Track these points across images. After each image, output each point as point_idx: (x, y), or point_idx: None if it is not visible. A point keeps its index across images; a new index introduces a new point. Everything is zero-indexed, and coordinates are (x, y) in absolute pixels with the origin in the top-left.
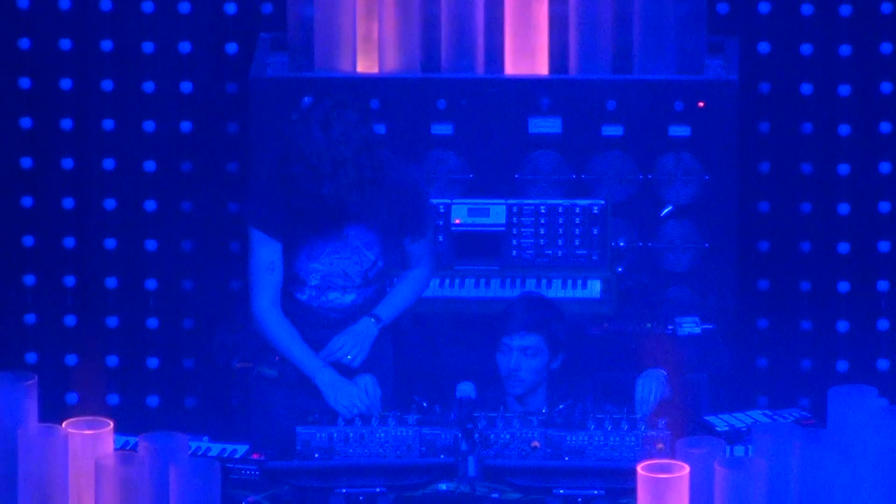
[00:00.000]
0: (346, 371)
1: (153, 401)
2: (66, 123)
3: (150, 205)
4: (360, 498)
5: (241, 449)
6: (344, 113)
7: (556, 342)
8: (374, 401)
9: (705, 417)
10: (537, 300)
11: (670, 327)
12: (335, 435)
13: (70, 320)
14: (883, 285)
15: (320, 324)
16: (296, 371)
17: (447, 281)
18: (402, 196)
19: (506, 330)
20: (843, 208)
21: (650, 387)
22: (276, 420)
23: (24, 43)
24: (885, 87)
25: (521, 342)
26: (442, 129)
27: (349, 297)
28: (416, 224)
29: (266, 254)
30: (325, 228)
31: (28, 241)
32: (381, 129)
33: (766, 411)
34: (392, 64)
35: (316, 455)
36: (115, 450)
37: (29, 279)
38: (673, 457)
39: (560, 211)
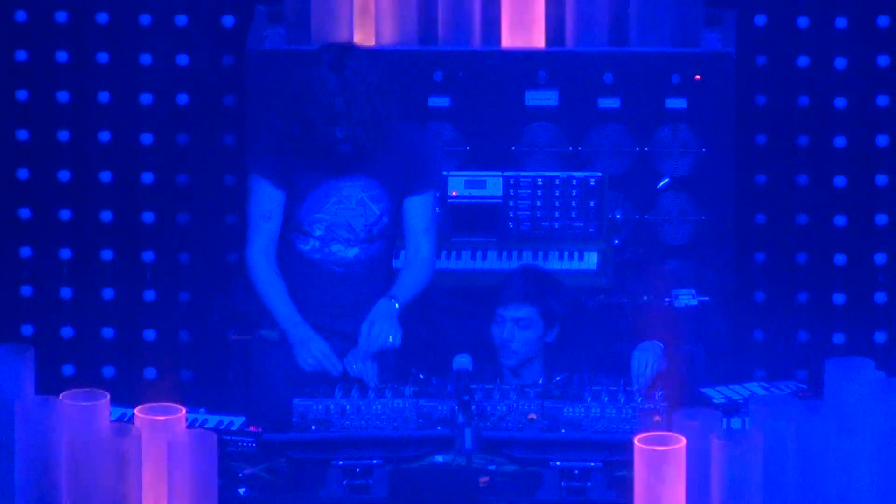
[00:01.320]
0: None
1: (150, 373)
2: (63, 96)
3: (147, 177)
4: (357, 470)
5: (238, 421)
6: (355, 54)
7: (550, 314)
8: (369, 372)
9: (702, 389)
10: (534, 272)
11: (667, 299)
12: (332, 407)
13: (66, 292)
14: (880, 258)
15: (322, 279)
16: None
17: (444, 253)
18: (411, 151)
19: (500, 301)
20: (840, 181)
21: (646, 359)
22: (275, 384)
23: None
24: (882, 59)
25: (514, 313)
26: (439, 101)
27: (352, 252)
28: (420, 176)
29: (265, 202)
30: (332, 176)
31: (24, 213)
32: None
33: (763, 383)
34: (388, 36)
35: (313, 427)
36: (112, 421)
37: (25, 251)
38: (670, 429)
39: (557, 183)
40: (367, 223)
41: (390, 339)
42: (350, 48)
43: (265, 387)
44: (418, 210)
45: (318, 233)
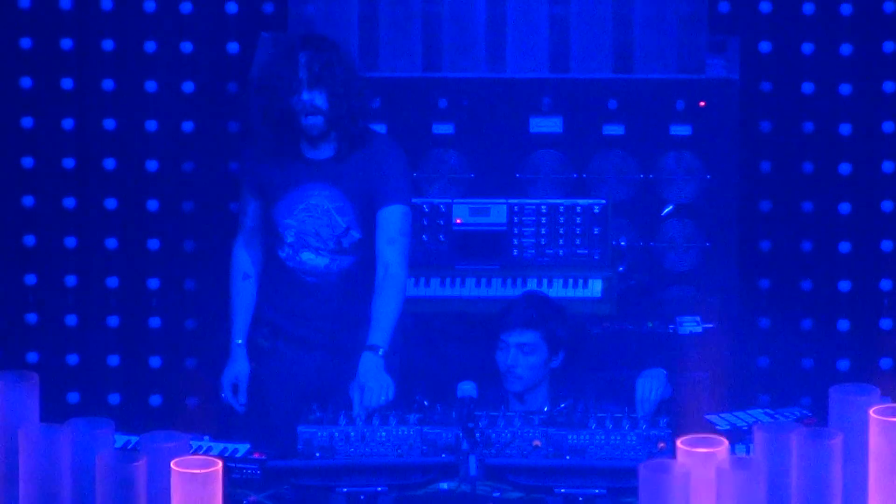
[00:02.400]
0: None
1: (155, 400)
2: (68, 123)
3: (152, 204)
4: (362, 497)
5: (243, 448)
6: (326, 38)
7: (554, 340)
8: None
9: (706, 416)
10: (537, 298)
11: (671, 326)
12: (336, 434)
13: (71, 319)
14: (885, 284)
15: (297, 287)
16: (288, 347)
17: (448, 280)
18: (378, 162)
19: (503, 327)
20: (845, 207)
21: (651, 386)
22: (267, 391)
23: (25, 42)
24: (888, 86)
25: (518, 339)
26: (443, 128)
27: (322, 261)
28: (388, 188)
29: (246, 205)
30: (300, 181)
31: (29, 240)
32: (381, 128)
33: (768, 410)
34: (393, 63)
35: (317, 454)
36: (117, 449)
37: (30, 278)
38: (674, 456)
39: (561, 210)
40: (335, 234)
41: (382, 398)
42: (322, 35)
43: (258, 394)
44: (385, 221)
45: (289, 239)
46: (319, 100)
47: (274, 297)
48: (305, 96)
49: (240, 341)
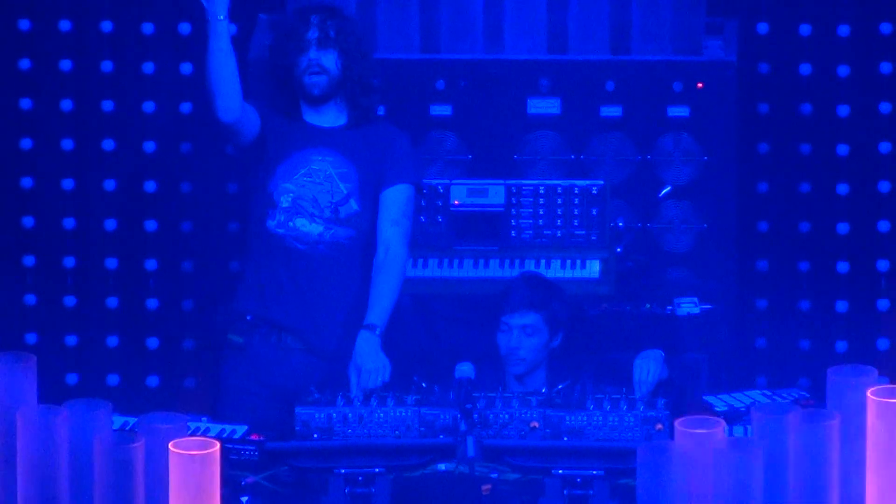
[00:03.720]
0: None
1: (153, 381)
2: (66, 104)
3: (150, 186)
4: (360, 478)
5: (241, 430)
6: (338, 10)
7: (555, 321)
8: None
9: (704, 397)
10: (536, 279)
11: (669, 307)
12: (334, 415)
13: (70, 301)
14: (882, 265)
15: (284, 258)
16: (262, 342)
17: (446, 261)
18: (388, 141)
19: (505, 309)
20: (843, 188)
21: (648, 367)
22: (241, 388)
23: (24, 24)
24: (885, 67)
25: (520, 320)
26: (441, 109)
27: (316, 229)
28: (396, 167)
29: (252, 105)
30: (303, 145)
31: (28, 221)
32: (379, 109)
33: (766, 391)
34: (391, 44)
35: (315, 435)
36: (115, 430)
37: (28, 260)
38: (672, 437)
39: (559, 191)
40: (333, 200)
41: (380, 379)
42: (336, 6)
43: (232, 391)
44: (390, 201)
45: (284, 204)
46: (327, 60)
47: (255, 276)
48: (313, 55)
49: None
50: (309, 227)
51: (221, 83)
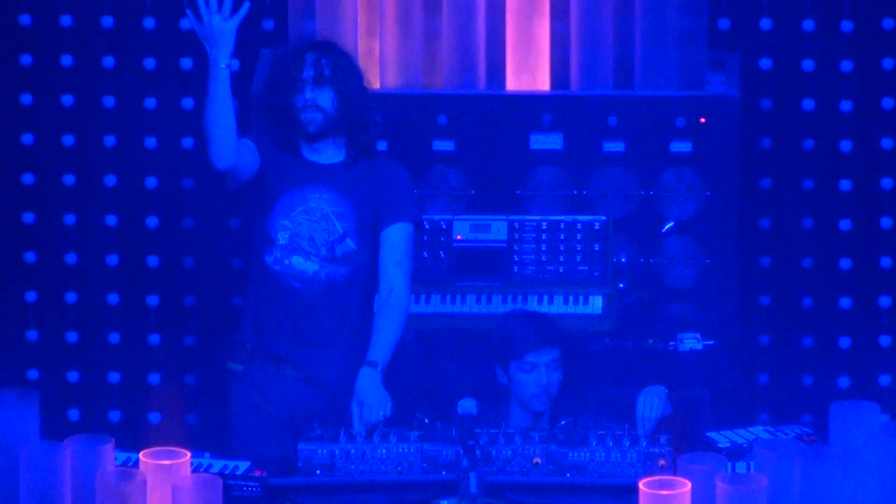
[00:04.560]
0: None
1: (155, 417)
2: (69, 139)
3: (152, 221)
4: None
5: (243, 465)
6: (336, 46)
7: (568, 355)
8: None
9: (707, 433)
10: (542, 315)
11: (672, 343)
12: (337, 451)
13: (72, 336)
14: (884, 301)
15: (281, 294)
16: (261, 370)
17: (448, 297)
18: (388, 178)
19: (526, 348)
20: (845, 224)
21: (651, 403)
22: (242, 416)
23: (25, 59)
24: (887, 102)
25: (547, 357)
26: (443, 145)
27: (312, 267)
28: (395, 206)
29: (251, 144)
30: (301, 182)
31: (30, 257)
32: (381, 145)
33: (768, 427)
34: (393, 80)
35: (318, 471)
36: (117, 466)
37: (30, 296)
38: (675, 473)
39: (561, 227)
40: (330, 239)
41: (381, 414)
42: (333, 42)
43: (233, 418)
44: (391, 241)
45: (281, 241)
46: (323, 99)
47: (255, 309)
48: (308, 94)
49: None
50: (305, 265)
51: (217, 131)
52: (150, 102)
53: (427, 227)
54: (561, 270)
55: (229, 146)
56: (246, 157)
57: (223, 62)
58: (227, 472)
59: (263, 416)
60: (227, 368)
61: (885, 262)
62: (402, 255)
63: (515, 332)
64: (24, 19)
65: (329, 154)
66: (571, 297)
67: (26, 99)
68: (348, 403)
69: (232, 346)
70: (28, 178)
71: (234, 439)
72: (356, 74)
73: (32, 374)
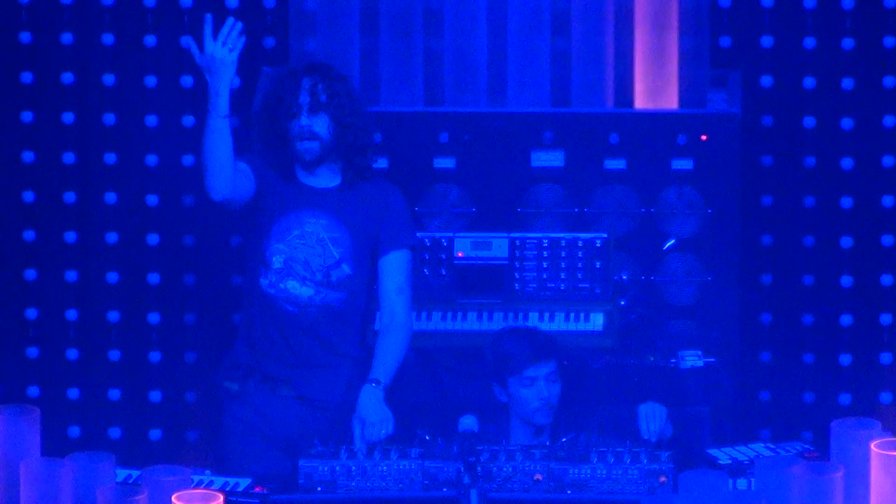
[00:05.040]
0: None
1: (155, 434)
2: (69, 157)
3: (153, 239)
4: None
5: (244, 482)
6: (334, 70)
7: (564, 365)
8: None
9: (708, 450)
10: (534, 330)
11: (673, 360)
12: (338, 468)
13: (72, 354)
14: (886, 319)
15: (276, 318)
16: (257, 390)
17: (450, 314)
18: (384, 205)
19: (524, 363)
20: (846, 241)
21: (654, 411)
22: (237, 435)
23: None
24: (888, 120)
25: (545, 370)
26: (444, 162)
27: (307, 292)
28: (393, 233)
29: (246, 166)
30: (298, 206)
31: (30, 274)
32: (383, 162)
33: (769, 444)
34: (395, 97)
35: (319, 489)
36: (118, 483)
37: (31, 313)
38: (676, 490)
39: (563, 244)
40: (325, 264)
41: (383, 432)
42: (329, 65)
43: (230, 437)
44: (391, 268)
45: (276, 265)
46: (319, 125)
47: (250, 331)
48: (304, 121)
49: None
50: (300, 289)
51: (214, 166)
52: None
53: (428, 244)
54: (562, 288)
55: (226, 180)
56: (242, 183)
57: (223, 112)
58: (228, 489)
59: (258, 435)
60: (222, 387)
61: (886, 279)
62: (403, 282)
63: (511, 349)
64: (25, 33)
65: (325, 178)
66: (573, 314)
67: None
68: (347, 422)
69: (227, 366)
70: (28, 196)
71: (228, 458)
72: (353, 98)
73: (33, 391)
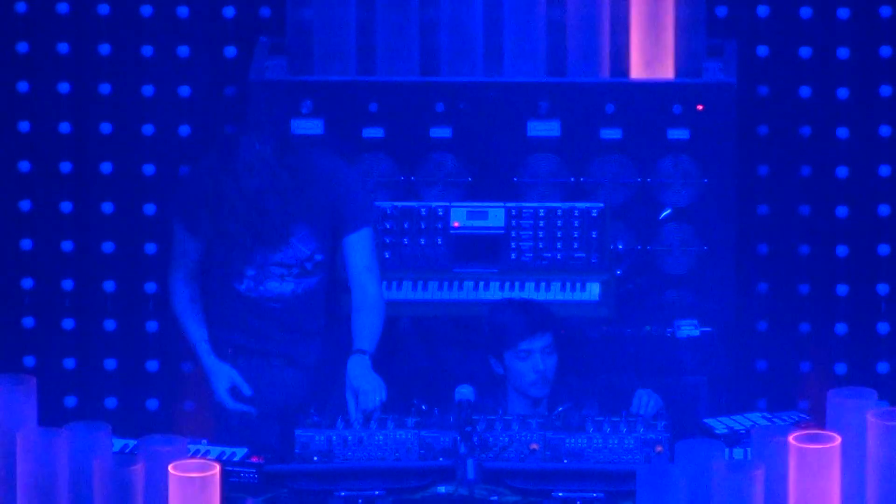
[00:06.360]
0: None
1: (152, 404)
2: (65, 127)
3: (149, 208)
4: (359, 501)
5: (241, 452)
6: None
7: (560, 338)
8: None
9: (704, 420)
10: (531, 302)
11: (669, 330)
12: (334, 438)
13: (68, 323)
14: (882, 288)
15: (261, 315)
16: (248, 361)
17: (446, 284)
18: (337, 191)
19: (522, 336)
20: (842, 211)
21: (649, 399)
22: (225, 413)
23: (22, 47)
24: (885, 89)
25: (540, 343)
26: (441, 132)
27: (288, 287)
28: (351, 214)
29: (185, 244)
30: (258, 235)
31: (26, 244)
32: (379, 132)
33: (765, 414)
34: (391, 67)
35: (315, 458)
36: (114, 453)
37: (27, 282)
38: (672, 459)
39: (559, 214)
40: (300, 259)
41: (377, 399)
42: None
43: (221, 411)
44: (356, 248)
45: (251, 273)
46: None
47: (232, 323)
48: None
49: (211, 357)
50: (281, 287)
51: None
52: (148, 90)
53: (424, 213)
54: (558, 257)
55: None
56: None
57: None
58: (224, 458)
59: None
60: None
61: (883, 249)
62: (370, 259)
63: (507, 322)
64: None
65: None
66: (569, 284)
67: (22, 86)
68: (334, 387)
69: (213, 345)
70: (24, 166)
71: (220, 428)
72: (280, 154)
73: (29, 361)
